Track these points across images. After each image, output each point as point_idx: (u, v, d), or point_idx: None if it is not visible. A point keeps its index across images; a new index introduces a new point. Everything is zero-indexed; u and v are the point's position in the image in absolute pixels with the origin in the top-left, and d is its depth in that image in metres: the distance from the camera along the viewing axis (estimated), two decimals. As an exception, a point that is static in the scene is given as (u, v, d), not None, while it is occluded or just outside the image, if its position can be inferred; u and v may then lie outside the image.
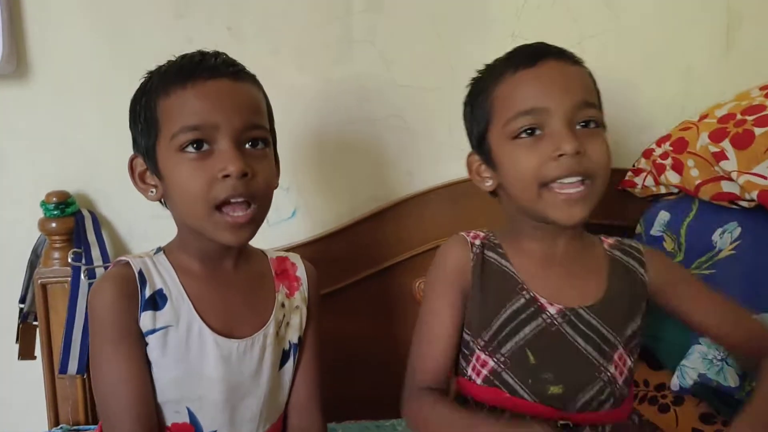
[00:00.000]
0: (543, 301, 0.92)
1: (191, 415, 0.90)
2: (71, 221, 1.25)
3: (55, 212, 1.23)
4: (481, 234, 0.99)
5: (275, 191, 0.94)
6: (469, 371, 0.96)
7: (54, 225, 1.24)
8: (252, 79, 0.94)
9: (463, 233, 0.99)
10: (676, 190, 1.20)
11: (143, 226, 1.32)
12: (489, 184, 0.97)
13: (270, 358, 0.94)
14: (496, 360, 0.92)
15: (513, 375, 0.92)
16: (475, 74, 0.99)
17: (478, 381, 0.94)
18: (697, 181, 1.13)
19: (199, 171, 0.86)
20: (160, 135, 0.88)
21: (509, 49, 1.01)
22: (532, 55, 0.92)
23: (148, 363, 0.89)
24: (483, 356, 0.93)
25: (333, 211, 1.34)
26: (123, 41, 1.27)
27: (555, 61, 0.91)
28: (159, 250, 0.95)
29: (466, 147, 0.99)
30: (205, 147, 0.86)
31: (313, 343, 1.02)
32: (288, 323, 0.98)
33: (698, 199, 1.15)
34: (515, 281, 0.94)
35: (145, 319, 0.88)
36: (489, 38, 1.30)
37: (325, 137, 1.33)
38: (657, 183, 1.22)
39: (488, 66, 0.98)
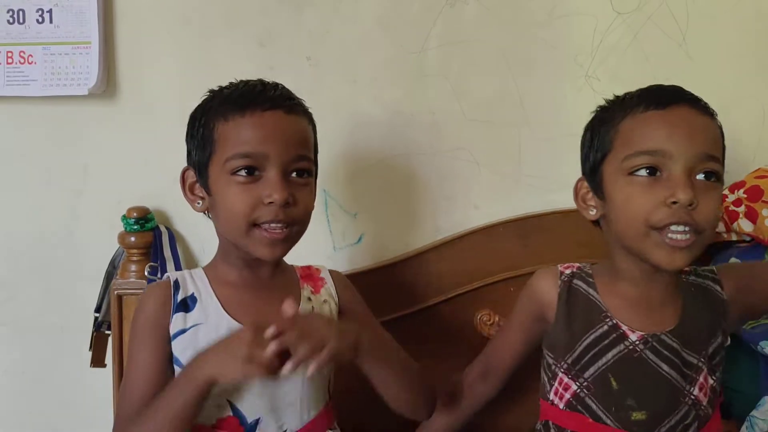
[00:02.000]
0: (625, 328, 0.95)
1: (233, 407, 0.96)
2: (149, 236, 1.30)
3: (135, 227, 1.29)
4: (576, 265, 1.03)
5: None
6: (552, 395, 0.98)
7: (133, 239, 1.29)
8: (305, 112, 1.01)
9: (558, 264, 1.04)
10: (748, 239, 1.19)
11: (215, 243, 1.36)
12: (593, 212, 0.99)
13: None
14: (578, 384, 0.95)
15: (596, 400, 0.94)
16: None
17: (561, 405, 0.96)
18: (772, 231, 1.12)
19: (246, 193, 0.93)
20: (214, 156, 0.96)
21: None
22: (666, 97, 0.93)
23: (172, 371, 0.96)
24: (566, 380, 0.96)
25: (399, 239, 1.36)
26: (207, 66, 1.33)
27: (687, 107, 0.92)
28: (198, 269, 1.04)
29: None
30: (256, 173, 0.94)
31: (373, 325, 1.09)
32: None
33: (771, 248, 1.14)
34: (600, 309, 0.97)
35: (177, 321, 0.96)
36: (561, 77, 1.32)
37: (393, 166, 1.36)
38: (728, 230, 1.20)
39: (617, 98, 1.00)
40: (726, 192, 1.22)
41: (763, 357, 1.09)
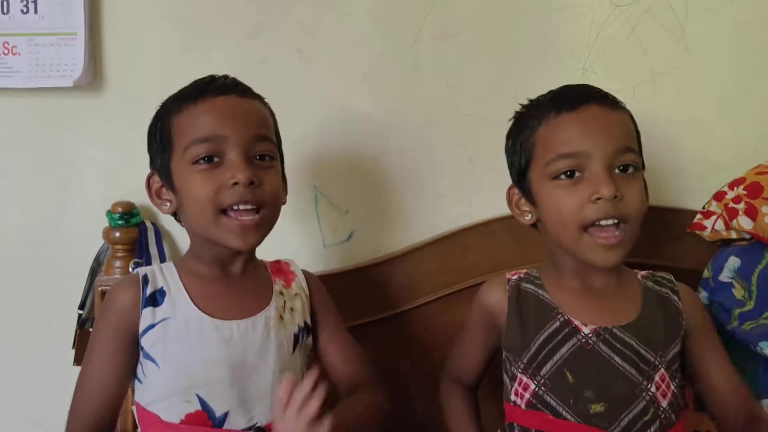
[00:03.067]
0: (577, 322, 0.97)
1: (202, 401, 0.94)
2: (135, 232, 1.27)
3: (120, 222, 1.26)
4: (523, 270, 1.05)
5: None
6: (513, 396, 0.99)
7: (118, 234, 1.26)
8: (259, 98, 1.01)
9: (506, 272, 1.06)
10: (748, 236, 1.16)
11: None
12: (528, 218, 1.02)
13: (275, 339, 0.98)
14: (536, 382, 0.96)
15: (554, 396, 0.95)
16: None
17: (523, 405, 0.97)
18: (772, 229, 1.09)
19: (209, 180, 0.93)
20: (174, 151, 0.96)
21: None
22: (576, 99, 0.96)
23: (136, 369, 0.97)
24: (525, 379, 0.97)
25: (390, 236, 1.34)
26: (197, 58, 1.30)
27: (597, 106, 0.96)
28: (168, 263, 1.03)
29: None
30: (216, 160, 0.94)
31: (341, 330, 1.09)
32: (292, 308, 1.03)
33: (772, 246, 1.12)
34: (551, 307, 0.99)
35: (146, 316, 0.95)
36: (558, 71, 1.28)
37: (385, 163, 1.34)
38: (728, 228, 1.18)
39: (531, 103, 1.03)
40: (725, 188, 1.20)
41: (763, 358, 1.06)
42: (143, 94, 1.32)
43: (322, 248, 1.34)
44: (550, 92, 1.01)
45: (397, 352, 1.28)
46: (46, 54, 1.28)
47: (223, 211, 0.93)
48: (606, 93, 0.98)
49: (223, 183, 0.92)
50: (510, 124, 1.06)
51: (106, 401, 0.96)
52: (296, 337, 1.01)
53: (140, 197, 1.32)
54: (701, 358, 1.00)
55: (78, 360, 1.30)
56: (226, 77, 0.99)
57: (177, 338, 0.94)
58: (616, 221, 0.92)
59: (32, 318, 1.38)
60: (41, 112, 1.33)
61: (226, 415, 0.94)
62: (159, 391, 0.95)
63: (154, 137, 1.00)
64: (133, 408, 1.00)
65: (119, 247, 1.27)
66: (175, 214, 1.02)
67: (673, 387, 0.96)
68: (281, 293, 1.03)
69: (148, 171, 1.02)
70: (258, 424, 0.95)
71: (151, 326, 0.95)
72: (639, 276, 1.03)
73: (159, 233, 1.31)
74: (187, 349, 0.94)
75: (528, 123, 1.00)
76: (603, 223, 0.92)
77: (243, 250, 0.97)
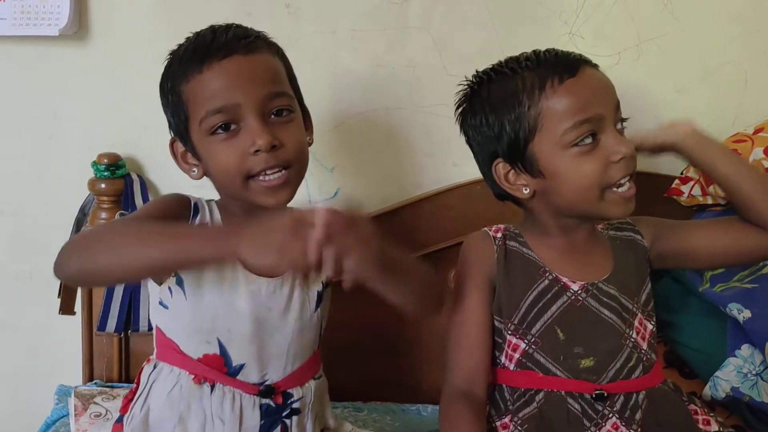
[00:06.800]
0: (565, 279, 0.98)
1: (221, 346, 0.95)
2: (120, 183, 1.27)
3: (105, 173, 1.26)
4: (502, 227, 1.04)
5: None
6: (503, 359, 0.99)
7: (103, 186, 1.27)
8: (267, 46, 0.96)
9: (485, 228, 1.04)
10: (723, 202, 1.19)
11: (187, 192, 1.34)
12: (527, 191, 0.98)
13: (299, 299, 0.97)
14: (527, 342, 0.97)
15: (544, 354, 0.96)
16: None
17: (512, 366, 0.98)
18: (746, 195, 1.12)
19: (231, 149, 0.91)
20: (190, 120, 0.93)
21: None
22: (572, 63, 0.96)
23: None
24: (514, 340, 0.98)
25: (376, 194, 1.35)
26: (183, 10, 1.29)
27: (588, 67, 0.97)
28: (210, 201, 1.01)
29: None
30: (233, 127, 0.91)
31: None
32: None
33: (745, 212, 1.14)
34: (538, 265, 0.99)
35: None
36: (545, 34, 1.28)
37: (372, 121, 1.34)
38: (704, 193, 1.21)
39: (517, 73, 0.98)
40: (704, 155, 1.22)
41: (731, 319, 1.10)
42: (128, 46, 1.31)
43: (307, 205, 1.34)
44: (537, 61, 0.97)
45: (380, 306, 1.31)
46: (31, 1, 1.25)
47: (251, 176, 0.92)
48: (588, 58, 0.99)
49: (245, 150, 0.90)
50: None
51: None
52: (320, 295, 1.01)
53: (125, 149, 1.33)
54: (682, 240, 1.02)
55: (64, 309, 1.31)
56: (227, 30, 0.94)
57: (211, 279, 0.93)
58: (630, 176, 0.94)
59: (17, 268, 1.38)
60: (25, 60, 1.32)
61: (241, 366, 0.95)
62: (183, 324, 0.95)
63: (168, 102, 0.96)
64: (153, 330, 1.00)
65: (105, 198, 1.28)
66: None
67: (650, 327, 0.99)
68: None
69: (157, 111, 0.99)
70: (268, 381, 0.96)
71: None
72: (599, 227, 1.05)
73: (144, 185, 1.31)
74: (217, 293, 0.94)
75: (522, 99, 0.96)
76: (623, 180, 0.94)
77: (275, 207, 0.94)
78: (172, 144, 0.99)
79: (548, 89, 0.94)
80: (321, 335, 1.03)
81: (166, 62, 0.97)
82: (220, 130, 0.91)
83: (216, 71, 0.91)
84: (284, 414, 0.97)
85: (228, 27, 0.94)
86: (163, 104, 0.98)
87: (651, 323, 1.00)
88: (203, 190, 1.02)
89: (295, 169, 0.94)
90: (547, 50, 0.99)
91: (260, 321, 0.95)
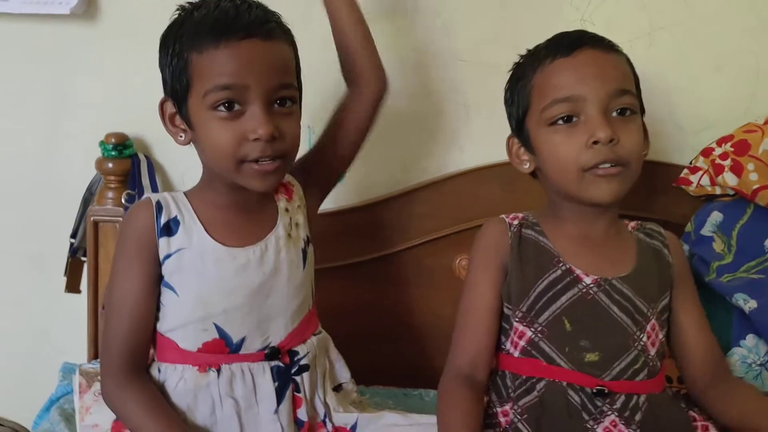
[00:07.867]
0: (579, 272, 0.97)
1: (219, 329, 0.96)
2: (127, 163, 1.28)
3: (113, 153, 1.27)
4: (520, 215, 1.04)
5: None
6: (508, 345, 0.99)
7: (110, 165, 1.27)
8: (284, 35, 0.96)
9: (502, 215, 1.05)
10: (731, 192, 1.18)
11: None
12: (527, 166, 1.03)
13: (287, 257, 0.99)
14: (533, 330, 0.97)
15: (550, 343, 0.96)
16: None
17: (516, 353, 0.98)
18: (756, 186, 1.12)
19: (230, 130, 0.91)
20: (192, 89, 0.92)
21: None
22: (570, 44, 0.97)
23: (159, 294, 0.96)
24: (521, 327, 0.97)
25: (382, 179, 1.35)
26: (193, -9, 1.28)
27: (591, 48, 0.96)
28: (179, 192, 1.01)
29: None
30: (237, 107, 0.91)
31: None
32: (297, 223, 1.03)
33: (754, 203, 1.14)
34: (552, 254, 0.99)
35: (162, 245, 0.94)
36: (557, 21, 1.28)
37: (380, 105, 1.34)
38: (713, 183, 1.20)
39: (528, 52, 1.03)
40: (713, 145, 1.21)
41: (736, 309, 1.10)
42: (139, 25, 1.31)
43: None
44: (546, 40, 1.01)
45: (384, 291, 1.31)
46: (41, -21, 1.26)
47: (243, 161, 0.92)
48: (601, 37, 0.99)
49: (244, 135, 0.90)
50: (509, 75, 1.06)
51: (136, 325, 0.95)
52: (304, 253, 1.02)
53: (133, 129, 1.33)
54: (680, 308, 1.02)
55: (70, 288, 1.32)
56: (250, 9, 0.92)
57: (193, 269, 0.94)
58: (613, 165, 0.93)
59: (25, 247, 1.39)
60: (35, 39, 1.32)
61: (242, 340, 0.96)
62: (177, 319, 0.96)
63: (170, 62, 0.94)
64: None
65: (112, 178, 1.28)
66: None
67: (660, 336, 0.98)
68: (286, 210, 1.02)
69: (161, 97, 0.97)
70: (272, 344, 0.98)
71: (168, 256, 0.94)
72: (630, 227, 1.05)
73: (152, 165, 1.31)
74: (204, 279, 0.94)
75: (524, 72, 1.01)
76: (602, 166, 0.93)
77: (262, 192, 0.96)
78: (162, 104, 0.97)
79: (539, 67, 0.98)
80: (313, 293, 1.05)
81: (176, 18, 0.95)
82: (222, 107, 0.91)
83: (233, 50, 0.90)
84: (293, 371, 0.98)
85: (250, 6, 0.93)
86: (161, 61, 0.96)
87: (663, 332, 0.99)
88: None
89: (287, 159, 0.96)
90: (566, 31, 1.01)
91: (255, 289, 0.96)
